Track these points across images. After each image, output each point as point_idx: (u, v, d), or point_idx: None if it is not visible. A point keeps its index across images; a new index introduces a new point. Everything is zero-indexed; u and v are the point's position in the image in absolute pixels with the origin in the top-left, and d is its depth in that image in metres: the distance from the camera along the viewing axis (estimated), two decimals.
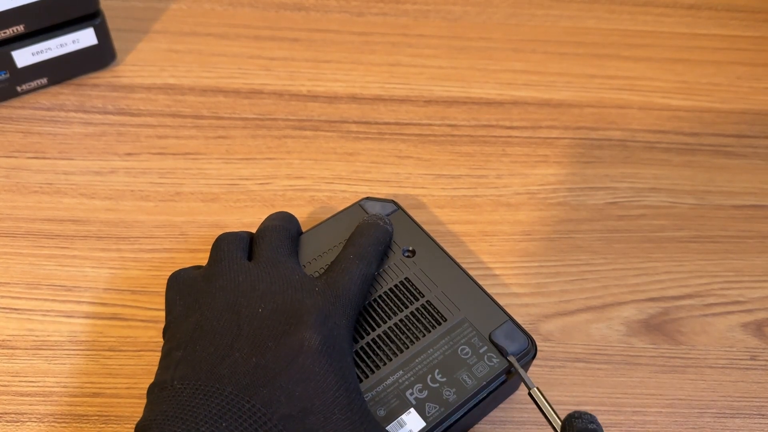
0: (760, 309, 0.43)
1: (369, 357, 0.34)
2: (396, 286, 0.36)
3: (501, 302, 0.42)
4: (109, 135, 0.48)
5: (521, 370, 0.33)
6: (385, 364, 0.33)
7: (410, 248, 0.38)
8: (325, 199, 0.45)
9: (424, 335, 0.35)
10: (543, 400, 0.32)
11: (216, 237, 0.37)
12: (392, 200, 0.41)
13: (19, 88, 0.48)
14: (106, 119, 0.49)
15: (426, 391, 0.33)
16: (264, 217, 0.44)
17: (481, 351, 0.34)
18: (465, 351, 0.34)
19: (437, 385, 0.33)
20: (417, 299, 0.36)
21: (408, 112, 0.51)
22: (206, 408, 0.28)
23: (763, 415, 0.39)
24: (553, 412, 0.31)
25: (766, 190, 0.49)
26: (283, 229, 0.37)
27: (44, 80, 0.49)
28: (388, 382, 0.33)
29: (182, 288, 0.34)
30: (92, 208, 0.44)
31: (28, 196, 0.44)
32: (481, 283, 0.43)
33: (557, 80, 0.54)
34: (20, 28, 0.45)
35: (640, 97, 0.54)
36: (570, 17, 0.60)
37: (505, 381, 0.34)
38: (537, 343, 0.40)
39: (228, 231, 0.37)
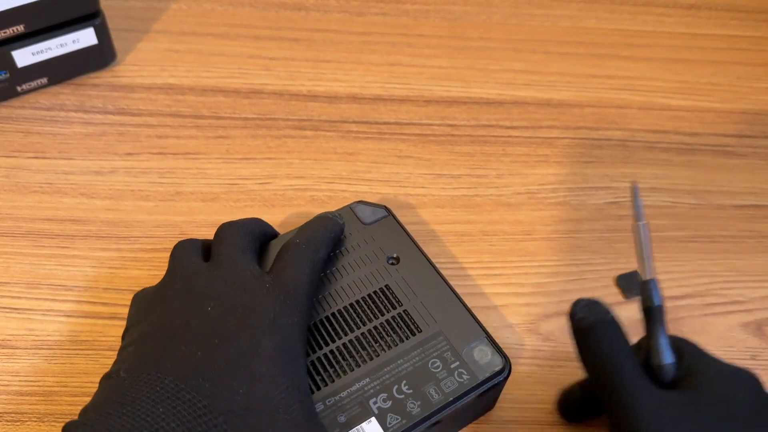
0: (760, 309, 0.43)
1: (338, 361, 0.33)
2: (375, 292, 0.36)
3: (501, 302, 0.42)
4: (109, 135, 0.48)
5: (638, 201, 0.33)
6: (353, 369, 0.33)
7: (395, 255, 0.38)
8: (325, 199, 0.46)
9: (397, 344, 0.34)
10: (646, 237, 0.33)
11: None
12: (384, 206, 0.40)
13: (19, 88, 0.48)
14: (106, 119, 0.49)
15: (390, 402, 0.32)
16: (264, 217, 0.44)
17: (452, 366, 0.33)
18: (436, 365, 0.33)
19: (402, 396, 0.32)
20: (395, 307, 0.36)
21: (408, 112, 0.51)
22: (146, 395, 0.28)
23: None
24: (650, 256, 0.33)
25: (766, 190, 0.49)
26: (238, 226, 0.36)
27: (44, 80, 0.49)
28: (354, 388, 0.32)
29: (140, 301, 0.34)
30: (92, 208, 0.44)
31: (28, 195, 0.44)
32: (480, 283, 0.43)
33: (557, 80, 0.54)
34: (20, 28, 0.45)
35: (640, 97, 0.54)
36: (570, 17, 0.60)
37: (475, 399, 0.33)
38: (537, 343, 0.40)
39: (185, 239, 0.37)
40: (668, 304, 0.43)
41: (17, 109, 0.49)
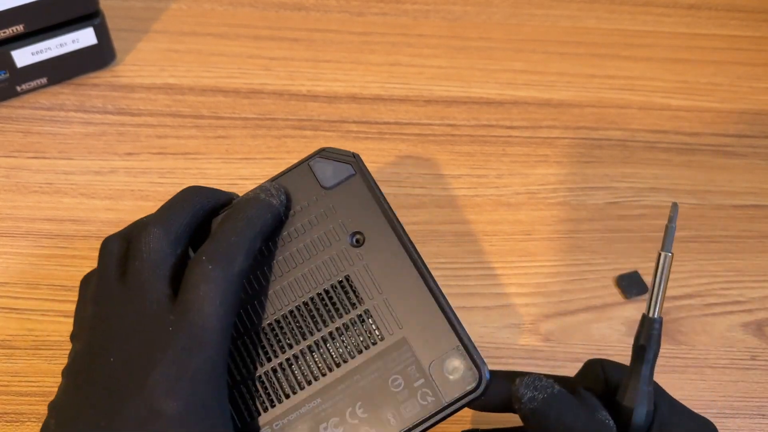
0: (760, 309, 0.43)
1: (287, 378, 0.29)
2: (333, 286, 0.30)
3: (501, 302, 0.42)
4: (109, 135, 0.48)
5: (672, 225, 0.28)
6: (303, 388, 0.29)
7: (359, 232, 0.30)
8: None
9: (354, 356, 0.29)
10: (666, 271, 0.29)
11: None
12: (352, 155, 0.32)
13: (18, 88, 0.48)
14: (106, 119, 0.49)
15: (342, 428, 0.28)
16: None
17: (415, 385, 0.28)
18: (397, 382, 0.28)
19: (356, 421, 0.28)
20: (354, 307, 0.29)
21: (408, 112, 0.51)
22: None
23: (764, 415, 0.39)
24: (662, 293, 0.29)
25: (766, 190, 0.49)
26: (157, 227, 0.29)
27: (44, 80, 0.49)
28: (303, 410, 0.28)
29: (81, 299, 0.31)
30: (92, 208, 0.44)
31: (27, 195, 0.44)
32: (480, 283, 0.42)
33: (557, 80, 0.54)
34: (20, 28, 0.45)
35: (640, 97, 0.54)
36: (570, 17, 0.60)
37: (438, 422, 0.28)
38: (537, 343, 0.40)
39: (114, 233, 0.31)
40: (668, 304, 0.43)
41: (17, 109, 0.49)
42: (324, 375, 0.29)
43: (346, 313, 0.29)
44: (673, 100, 0.54)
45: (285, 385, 0.29)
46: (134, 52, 0.53)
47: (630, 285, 0.43)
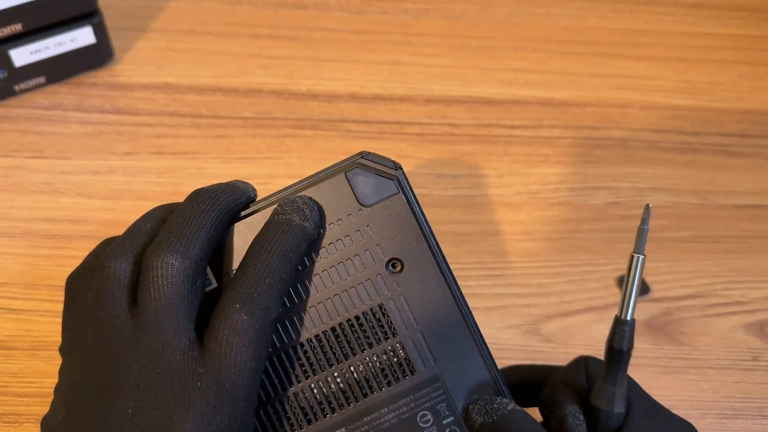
0: (762, 309, 0.43)
1: (310, 404, 0.27)
2: (365, 313, 0.28)
3: (502, 303, 0.41)
4: (107, 134, 0.47)
5: (645, 228, 0.27)
6: (326, 416, 0.27)
7: (399, 259, 0.28)
8: None
9: (383, 389, 0.27)
10: (638, 272, 0.28)
11: (98, 244, 0.29)
12: (394, 166, 0.28)
13: (17, 87, 0.48)
14: (105, 118, 0.48)
15: None
16: None
17: (444, 422, 0.27)
18: (426, 419, 0.27)
19: None
20: (387, 337, 0.28)
21: (408, 111, 0.51)
22: None
23: (765, 416, 0.38)
24: (635, 295, 0.28)
25: None
26: (175, 251, 0.25)
27: (42, 79, 0.49)
28: None
29: (71, 301, 0.28)
30: (90, 208, 0.44)
31: (26, 195, 0.44)
32: (481, 283, 0.42)
33: (558, 79, 0.54)
34: (18, 27, 0.45)
35: (642, 97, 0.54)
36: (571, 16, 0.59)
37: None
38: (538, 344, 0.40)
39: (115, 247, 0.27)
40: (670, 305, 0.42)
41: (15, 109, 0.48)
42: (350, 404, 0.27)
43: (378, 343, 0.28)
44: (674, 100, 0.54)
45: (308, 410, 0.27)
46: (133, 51, 0.53)
47: None
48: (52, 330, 0.38)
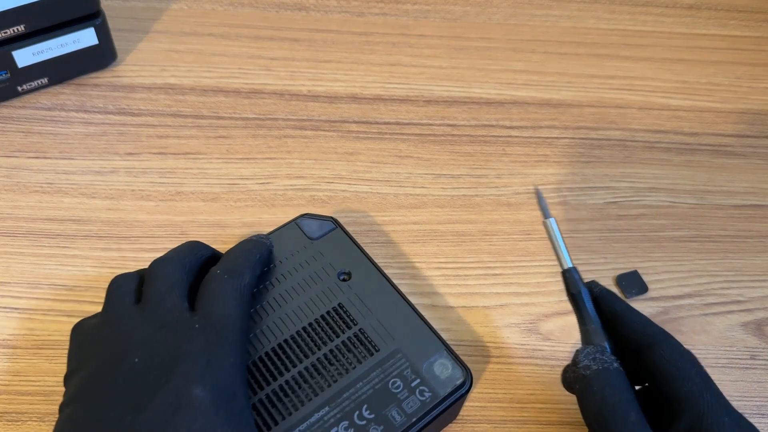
0: (759, 308, 0.43)
1: (294, 392, 0.32)
2: (328, 312, 0.34)
3: (501, 302, 0.42)
4: (109, 135, 0.48)
5: (542, 201, 0.34)
6: (311, 399, 0.31)
7: (346, 271, 0.36)
8: (325, 199, 0.46)
9: (355, 367, 0.33)
10: (556, 232, 0.34)
11: (187, 243, 0.35)
12: (331, 217, 0.39)
13: (19, 88, 0.48)
14: (107, 119, 0.49)
15: (352, 430, 0.31)
16: (264, 216, 0.44)
17: (413, 384, 0.32)
18: (396, 384, 0.32)
19: (364, 422, 0.31)
20: (350, 327, 0.34)
21: (408, 112, 0.51)
22: None
23: (763, 414, 0.39)
24: (563, 249, 0.34)
25: (765, 189, 0.49)
26: (168, 260, 0.33)
27: (45, 80, 0.49)
28: (313, 419, 0.31)
29: (79, 338, 0.32)
30: (93, 208, 0.44)
31: (29, 195, 0.44)
32: (480, 283, 0.42)
33: (557, 80, 0.55)
34: (21, 28, 0.45)
35: (640, 97, 0.54)
36: (570, 17, 0.60)
37: (438, 414, 0.32)
38: (537, 343, 0.40)
39: (121, 273, 0.34)
40: (667, 304, 0.43)
41: (18, 109, 0.49)
42: (329, 386, 0.32)
43: (343, 333, 0.34)
44: (672, 100, 0.54)
45: (294, 398, 0.32)
46: (135, 52, 0.53)
47: (630, 284, 0.43)
48: (55, 329, 0.39)
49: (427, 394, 0.32)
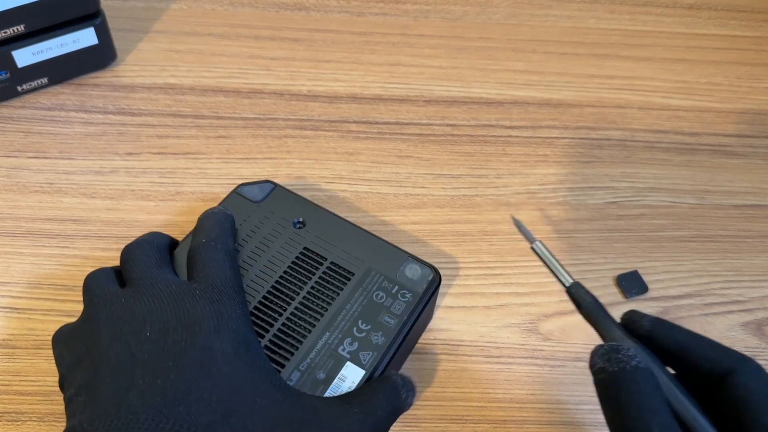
0: (759, 308, 0.43)
1: (294, 330, 0.34)
2: (297, 257, 0.37)
3: (501, 302, 0.42)
4: (109, 135, 0.48)
5: (523, 228, 0.36)
6: (310, 332, 0.34)
7: (300, 219, 0.39)
8: (325, 199, 0.46)
9: (338, 294, 0.36)
10: (546, 252, 0.34)
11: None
12: (267, 180, 0.41)
13: (19, 88, 0.48)
14: (107, 119, 0.49)
15: (356, 343, 0.34)
16: None
17: (393, 291, 0.36)
18: (380, 296, 0.36)
19: (364, 334, 0.35)
20: (321, 264, 0.37)
21: (408, 112, 0.51)
22: None
23: None
24: (559, 266, 0.33)
25: (765, 189, 0.49)
26: (142, 244, 0.35)
27: (45, 80, 0.49)
28: (319, 346, 0.34)
29: (65, 339, 0.32)
30: (93, 208, 0.44)
31: (28, 195, 0.44)
32: (480, 283, 0.43)
33: (557, 80, 0.55)
34: (21, 28, 0.45)
35: (640, 97, 0.54)
36: (570, 17, 0.60)
37: (422, 311, 0.36)
38: (537, 343, 0.40)
39: (90, 271, 0.34)
40: (668, 304, 0.43)
41: (18, 109, 0.49)
42: (322, 316, 0.35)
43: (317, 270, 0.37)
44: (672, 100, 0.54)
45: (296, 334, 0.34)
46: (135, 52, 0.53)
47: (630, 284, 0.43)
48: (55, 329, 0.38)
49: (408, 295, 0.36)
